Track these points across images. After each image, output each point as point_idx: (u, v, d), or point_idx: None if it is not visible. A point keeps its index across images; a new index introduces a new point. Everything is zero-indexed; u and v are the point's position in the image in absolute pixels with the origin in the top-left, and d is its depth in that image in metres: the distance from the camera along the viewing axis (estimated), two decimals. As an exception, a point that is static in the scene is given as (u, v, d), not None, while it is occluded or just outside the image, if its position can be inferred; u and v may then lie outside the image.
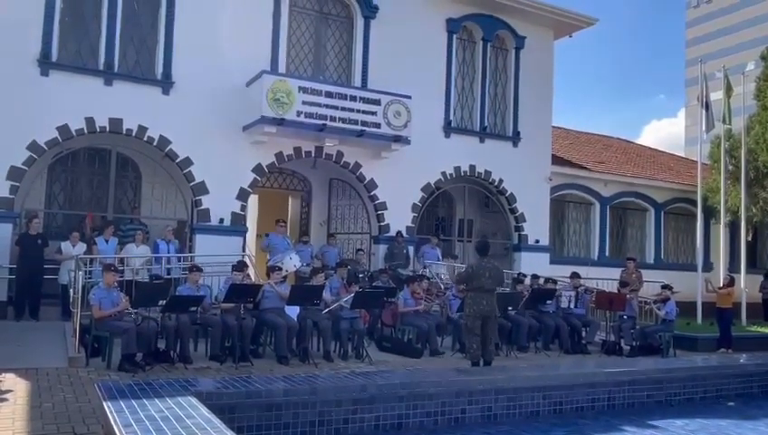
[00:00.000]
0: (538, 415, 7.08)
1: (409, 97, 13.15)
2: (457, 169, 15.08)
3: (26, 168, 11.13)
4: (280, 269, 9.83)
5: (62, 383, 6.93)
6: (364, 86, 13.68)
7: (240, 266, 9.71)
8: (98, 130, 11.66)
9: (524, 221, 15.89)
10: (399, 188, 14.15)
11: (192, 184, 12.33)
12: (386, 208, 14.18)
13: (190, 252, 11.99)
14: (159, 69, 12.23)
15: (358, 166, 13.89)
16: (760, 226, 19.30)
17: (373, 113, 12.79)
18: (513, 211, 15.88)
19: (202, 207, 12.39)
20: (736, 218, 17.45)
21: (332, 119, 12.40)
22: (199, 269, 9.29)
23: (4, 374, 7.05)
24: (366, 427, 6.15)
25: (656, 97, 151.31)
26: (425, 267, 13.45)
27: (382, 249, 13.99)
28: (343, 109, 12.52)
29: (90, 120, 11.53)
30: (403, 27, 14.32)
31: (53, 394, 6.45)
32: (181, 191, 12.58)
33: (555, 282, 12.35)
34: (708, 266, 17.76)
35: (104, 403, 4.88)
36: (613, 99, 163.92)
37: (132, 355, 7.80)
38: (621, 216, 19.10)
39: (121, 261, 10.48)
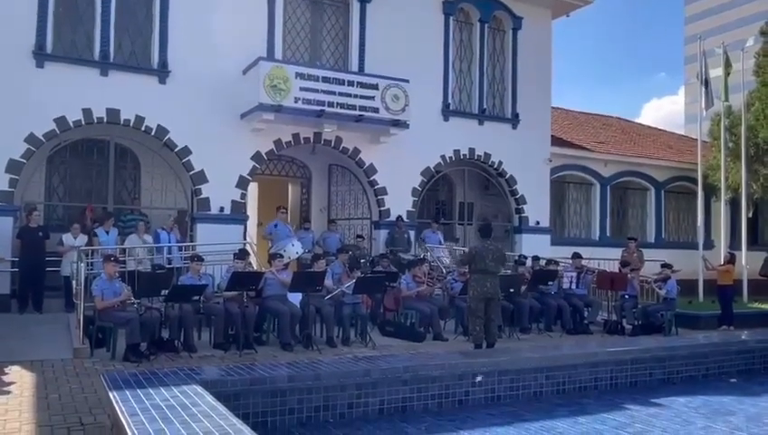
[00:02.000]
0: (541, 396, 7.14)
1: (407, 81, 13.08)
2: (457, 152, 15.05)
3: (25, 160, 11.12)
4: (281, 257, 9.86)
5: (68, 374, 6.97)
6: (361, 71, 13.62)
7: (242, 255, 9.73)
8: (95, 120, 11.63)
9: (525, 203, 15.89)
10: (399, 172, 14.14)
11: (191, 173, 12.32)
12: (386, 193, 14.18)
13: (191, 241, 12.02)
14: (155, 58, 12.18)
15: (357, 151, 13.86)
16: (760, 202, 19.29)
17: (371, 98, 12.73)
18: (513, 193, 15.87)
19: (202, 196, 12.39)
20: (737, 196, 17.43)
21: (330, 104, 12.35)
22: (201, 259, 9.31)
23: (9, 367, 7.10)
24: (370, 411, 6.20)
25: (656, 75, 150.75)
26: (427, 251, 13.46)
27: (383, 234, 14.01)
28: (341, 94, 12.46)
29: (87, 111, 11.50)
30: (399, 10, 14.22)
31: (59, 385, 6.49)
32: (181, 181, 12.57)
33: (557, 263, 12.37)
34: (709, 244, 17.80)
35: (110, 393, 4.92)
36: (613, 78, 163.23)
37: (136, 345, 7.85)
38: (622, 195, 19.08)
39: (123, 252, 10.50)
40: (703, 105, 16.39)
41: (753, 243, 18.52)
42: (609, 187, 18.39)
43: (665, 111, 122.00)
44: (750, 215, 17.75)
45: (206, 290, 8.82)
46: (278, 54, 13.02)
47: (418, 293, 10.57)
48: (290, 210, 14.46)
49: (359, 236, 13.69)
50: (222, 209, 12.52)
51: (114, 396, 4.78)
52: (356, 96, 12.61)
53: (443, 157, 14.88)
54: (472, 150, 15.24)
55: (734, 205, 18.37)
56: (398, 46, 14.01)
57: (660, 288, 11.80)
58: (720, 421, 6.63)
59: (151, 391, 4.90)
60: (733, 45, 18.34)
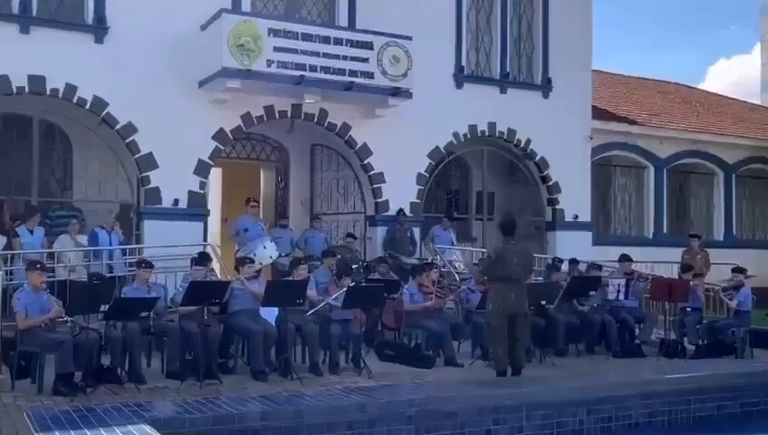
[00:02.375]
0: (582, 435, 7.18)
1: (410, 38, 13.08)
2: (473, 128, 15.08)
3: (-76, 142, 11.14)
4: (252, 261, 9.87)
5: (-18, 413, 6.98)
6: (352, 26, 13.63)
7: (202, 260, 9.74)
8: (14, 91, 11.61)
9: (559, 192, 15.93)
10: (400, 154, 14.15)
11: (137, 157, 12.33)
12: (383, 181, 14.20)
13: (137, 243, 12.03)
14: (90, 11, 12.15)
15: (346, 128, 13.88)
16: None
17: (364, 60, 12.73)
18: (544, 180, 15.92)
19: (150, 186, 12.40)
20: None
21: (312, 69, 12.34)
22: (150, 265, 9.31)
23: None
24: (366, 456, 6.23)
25: (725, 29, 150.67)
26: (436, 254, 13.50)
27: (380, 233, 14.04)
28: (326, 55, 12.45)
29: (3, 79, 11.47)
30: (399, -51, 14.23)
31: (-28, 427, 6.50)
32: (123, 167, 12.57)
33: (600, 268, 12.41)
34: (793, 243, 17.87)
35: (36, 436, 4.93)
36: (671, 34, 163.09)
37: (69, 375, 7.84)
38: (682, 182, 19.15)
39: (51, 257, 10.50)
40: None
41: None
42: (665, 170, 18.45)
43: (736, 74, 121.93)
44: None
45: (157, 305, 8.81)
46: (246, 6, 13.01)
47: (425, 307, 10.59)
48: (262, 203, 14.48)
49: (349, 236, 13.71)
50: (176, 202, 12.53)
51: (41, 440, 4.79)
52: (345, 58, 12.60)
53: (456, 134, 14.91)
54: (492, 126, 15.27)
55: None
56: (399, -6, 14.03)
57: (731, 298, 11.83)
58: (807, 466, 6.67)
59: (88, 434, 4.91)
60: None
